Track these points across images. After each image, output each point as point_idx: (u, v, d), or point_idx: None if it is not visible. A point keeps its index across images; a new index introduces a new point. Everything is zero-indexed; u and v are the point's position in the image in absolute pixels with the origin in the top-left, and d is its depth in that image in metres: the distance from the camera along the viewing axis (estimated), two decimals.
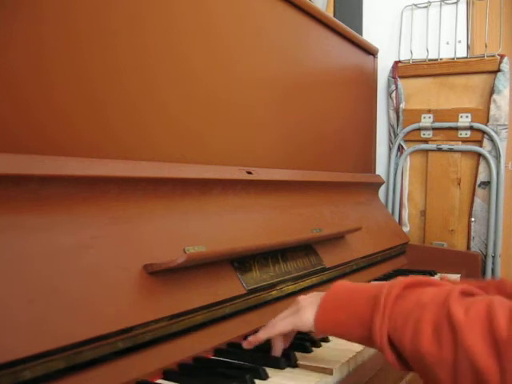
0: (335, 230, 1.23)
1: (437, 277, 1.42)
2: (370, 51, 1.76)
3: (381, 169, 1.93)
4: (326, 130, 1.47)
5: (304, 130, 1.36)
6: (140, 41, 0.85)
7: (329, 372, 0.70)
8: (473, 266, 1.58)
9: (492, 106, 1.73)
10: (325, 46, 1.47)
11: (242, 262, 0.90)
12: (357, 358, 0.77)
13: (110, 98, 0.80)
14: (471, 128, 1.77)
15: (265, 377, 0.67)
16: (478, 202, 1.77)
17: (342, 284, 0.70)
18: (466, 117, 1.77)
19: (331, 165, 1.48)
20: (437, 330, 0.56)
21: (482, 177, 1.77)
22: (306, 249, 1.10)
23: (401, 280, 0.64)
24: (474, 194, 1.78)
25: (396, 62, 1.91)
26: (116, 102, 0.81)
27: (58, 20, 0.72)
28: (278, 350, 0.73)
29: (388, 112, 1.94)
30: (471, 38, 1.84)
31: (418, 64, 1.87)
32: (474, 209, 1.78)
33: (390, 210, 1.90)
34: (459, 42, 1.85)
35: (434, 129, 1.84)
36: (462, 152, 1.80)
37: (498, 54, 1.73)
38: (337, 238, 1.24)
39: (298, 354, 0.74)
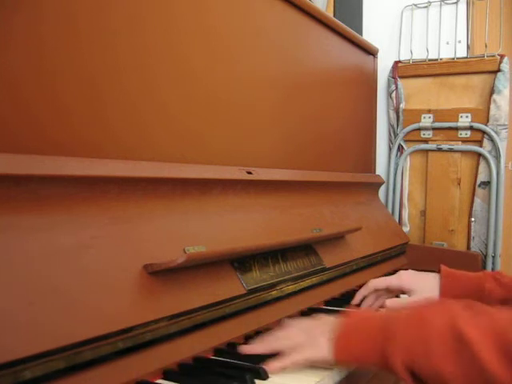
0: (335, 230, 1.23)
1: None
2: (370, 51, 1.76)
3: (381, 169, 1.93)
4: (326, 130, 1.47)
5: (304, 130, 1.36)
6: (140, 41, 0.85)
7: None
8: (473, 266, 1.58)
9: (492, 106, 1.73)
10: (325, 46, 1.47)
11: (242, 262, 0.90)
12: None
13: (110, 97, 0.80)
14: (471, 128, 1.77)
15: (265, 377, 0.67)
16: (478, 202, 1.77)
17: (356, 314, 0.71)
18: (466, 117, 1.77)
19: (331, 165, 1.48)
20: (451, 349, 0.58)
21: (481, 177, 1.77)
22: (305, 249, 1.10)
23: (412, 310, 0.66)
24: (474, 194, 1.78)
25: (396, 62, 1.91)
26: (116, 101, 0.81)
27: (58, 20, 0.72)
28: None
29: (388, 112, 1.94)
30: (471, 38, 1.84)
31: (417, 64, 1.87)
32: (474, 209, 1.78)
33: (390, 210, 1.90)
34: (459, 42, 1.85)
35: (434, 129, 1.84)
36: (462, 152, 1.80)
37: (498, 54, 1.73)
38: (337, 238, 1.24)
39: None
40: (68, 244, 0.65)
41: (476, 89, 1.78)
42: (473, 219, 1.78)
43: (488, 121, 1.74)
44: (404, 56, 1.91)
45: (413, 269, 1.51)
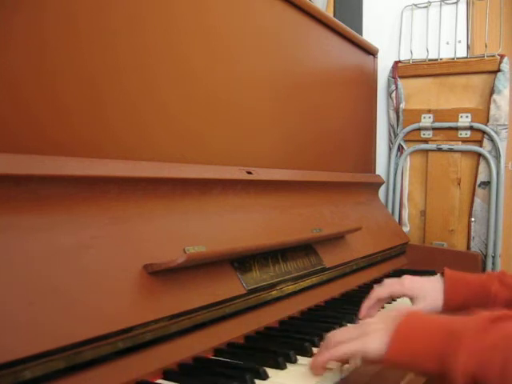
0: (335, 230, 1.23)
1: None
2: (370, 51, 1.76)
3: (381, 169, 1.93)
4: (326, 130, 1.47)
5: (304, 130, 1.36)
6: (140, 41, 0.85)
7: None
8: (473, 266, 1.58)
9: (492, 106, 1.73)
10: (325, 46, 1.47)
11: (242, 262, 0.90)
12: None
13: (110, 97, 0.80)
14: (471, 128, 1.77)
15: (265, 377, 0.67)
16: (478, 202, 1.77)
17: (416, 315, 0.66)
18: (466, 117, 1.77)
19: (331, 165, 1.48)
20: None
21: (481, 177, 1.77)
22: (305, 249, 1.10)
23: (486, 314, 0.61)
24: (474, 194, 1.78)
25: (396, 62, 1.91)
26: (116, 101, 0.81)
27: (58, 20, 0.72)
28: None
29: (388, 112, 1.94)
30: (471, 38, 1.84)
31: (418, 64, 1.87)
32: (474, 209, 1.78)
33: (390, 210, 1.90)
34: (459, 42, 1.85)
35: (434, 129, 1.84)
36: (462, 152, 1.80)
37: (498, 54, 1.73)
38: (337, 238, 1.24)
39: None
40: (68, 244, 0.65)
41: (476, 89, 1.78)
42: (473, 219, 1.78)
43: (488, 121, 1.74)
44: (404, 56, 1.91)
45: (413, 268, 1.52)
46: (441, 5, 1.89)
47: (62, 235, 0.65)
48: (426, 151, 1.86)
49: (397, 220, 1.87)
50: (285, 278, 0.98)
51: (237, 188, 1.01)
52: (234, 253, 0.86)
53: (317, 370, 0.68)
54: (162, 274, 0.73)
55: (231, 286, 0.85)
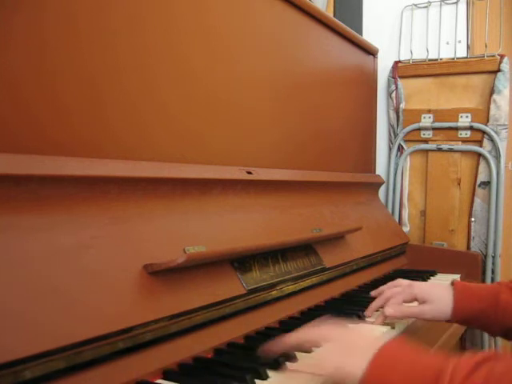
0: (335, 230, 1.23)
1: (437, 277, 1.42)
2: (370, 51, 1.76)
3: (381, 169, 1.93)
4: (325, 130, 1.47)
5: (304, 130, 1.36)
6: (140, 41, 0.85)
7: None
8: (473, 266, 1.58)
9: (492, 106, 1.73)
10: (325, 46, 1.47)
11: (242, 262, 0.90)
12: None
13: (110, 97, 0.80)
14: (471, 128, 1.77)
15: (265, 377, 0.67)
16: (478, 202, 1.77)
17: (399, 347, 0.63)
18: (466, 117, 1.77)
19: (331, 165, 1.48)
20: None
21: (481, 177, 1.77)
22: (305, 249, 1.10)
23: (465, 360, 0.58)
24: (474, 194, 1.78)
25: (396, 62, 1.91)
26: (116, 101, 0.81)
27: (58, 20, 0.72)
28: None
29: (388, 112, 1.94)
30: (471, 38, 1.84)
31: (418, 64, 1.87)
32: (474, 209, 1.78)
33: (390, 210, 1.90)
34: (459, 42, 1.85)
35: (434, 129, 1.84)
36: (462, 152, 1.80)
37: (498, 54, 1.73)
38: (337, 238, 1.24)
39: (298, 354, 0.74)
40: (68, 244, 0.65)
41: (476, 89, 1.78)
42: (473, 219, 1.78)
43: (488, 121, 1.74)
44: (404, 56, 1.91)
45: (413, 268, 1.52)
46: (441, 5, 1.89)
47: (62, 235, 0.65)
48: (426, 151, 1.86)
49: (397, 220, 1.87)
50: (285, 277, 0.98)
51: (237, 188, 1.01)
52: (234, 253, 0.86)
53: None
54: (162, 274, 0.73)
55: (231, 285, 0.85)
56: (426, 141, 1.86)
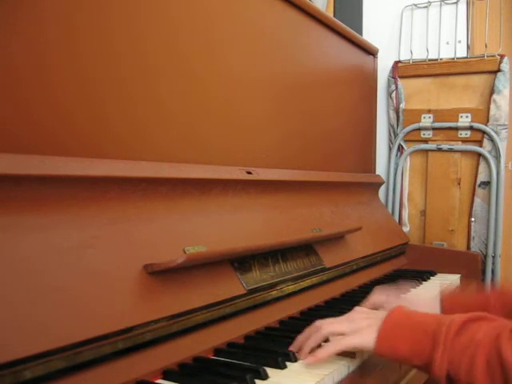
0: (335, 230, 1.23)
1: (437, 277, 1.42)
2: (370, 51, 1.76)
3: (381, 169, 1.93)
4: (325, 130, 1.47)
5: (304, 130, 1.36)
6: (140, 41, 0.85)
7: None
8: (473, 266, 1.58)
9: (492, 106, 1.73)
10: (325, 46, 1.47)
11: (242, 262, 0.90)
12: (363, 354, 0.77)
13: (110, 97, 0.80)
14: (471, 128, 1.77)
15: (265, 377, 0.67)
16: (478, 201, 1.77)
17: (402, 312, 0.72)
18: (466, 117, 1.77)
19: (331, 165, 1.48)
20: (489, 368, 0.61)
21: (481, 177, 1.77)
22: (306, 249, 1.10)
23: (460, 316, 0.68)
24: (474, 194, 1.78)
25: (396, 62, 1.91)
26: (116, 101, 0.81)
27: (58, 20, 0.72)
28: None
29: (388, 112, 1.94)
30: (471, 38, 1.84)
31: (418, 64, 1.87)
32: (474, 209, 1.78)
33: (390, 210, 1.90)
34: (459, 42, 1.85)
35: (434, 129, 1.84)
36: (462, 152, 1.80)
37: (498, 54, 1.73)
38: (337, 238, 1.24)
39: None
40: (68, 244, 0.65)
41: (476, 89, 1.78)
42: (473, 219, 1.78)
43: (488, 121, 1.74)
44: (404, 56, 1.91)
45: (413, 268, 1.52)
46: (441, 5, 1.89)
47: (62, 235, 0.65)
48: (426, 151, 1.86)
49: (397, 220, 1.87)
50: (285, 278, 0.98)
51: (237, 188, 1.01)
52: (234, 253, 0.86)
53: (318, 363, 0.71)
54: (162, 274, 0.73)
55: (231, 286, 0.85)
56: (425, 141, 1.86)
